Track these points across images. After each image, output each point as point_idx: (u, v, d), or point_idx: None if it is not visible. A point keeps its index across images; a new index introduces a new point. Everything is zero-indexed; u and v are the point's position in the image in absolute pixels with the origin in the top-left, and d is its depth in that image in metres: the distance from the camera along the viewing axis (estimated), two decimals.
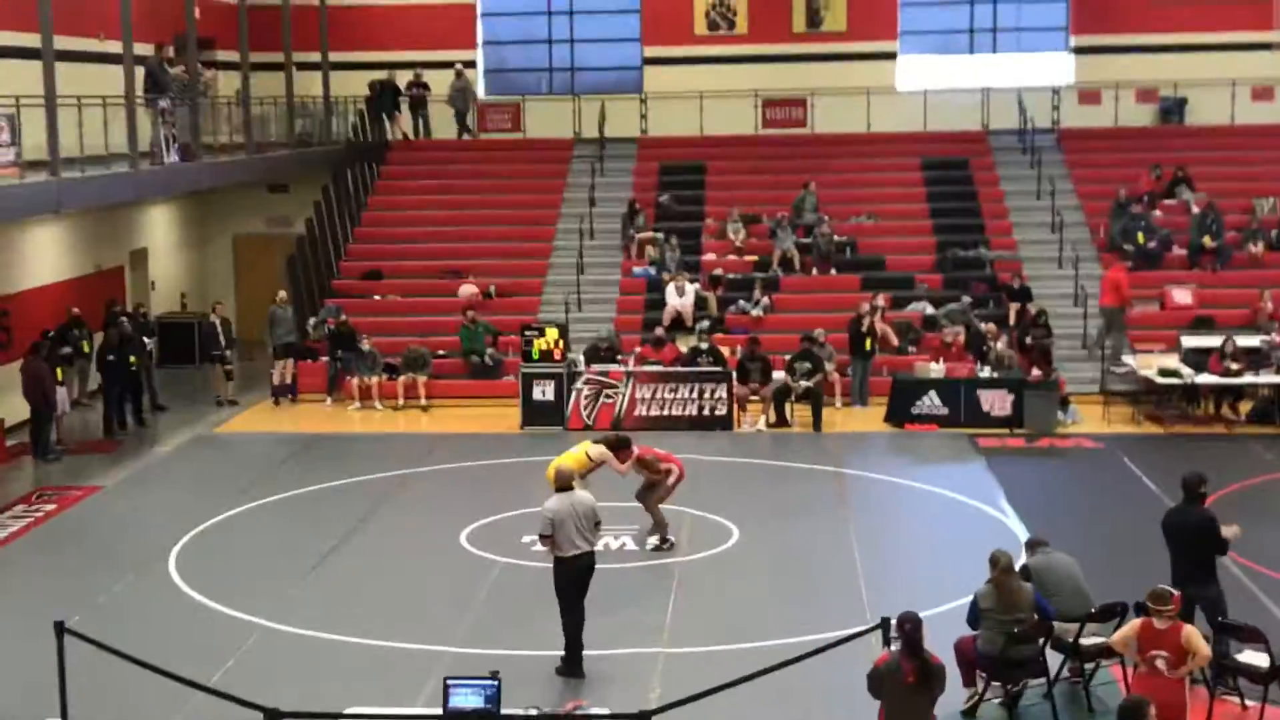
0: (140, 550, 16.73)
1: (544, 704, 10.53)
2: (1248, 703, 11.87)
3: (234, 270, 32.58)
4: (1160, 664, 10.61)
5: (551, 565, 13.08)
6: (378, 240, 29.80)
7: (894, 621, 9.93)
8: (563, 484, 13.12)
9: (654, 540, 16.54)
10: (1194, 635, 10.67)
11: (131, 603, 15.00)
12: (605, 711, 10.39)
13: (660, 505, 16.58)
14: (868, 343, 24.18)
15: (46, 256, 25.00)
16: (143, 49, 23.76)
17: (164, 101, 23.27)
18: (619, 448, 16.41)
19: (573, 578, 12.93)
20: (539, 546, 13.65)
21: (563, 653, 12.94)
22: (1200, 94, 31.56)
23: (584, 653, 12.98)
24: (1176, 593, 10.94)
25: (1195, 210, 27.75)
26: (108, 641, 11.42)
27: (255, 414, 24.74)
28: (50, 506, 18.85)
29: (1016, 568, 12.09)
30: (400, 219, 30.36)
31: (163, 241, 30.39)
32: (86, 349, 24.40)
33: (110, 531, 17.81)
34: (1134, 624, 10.89)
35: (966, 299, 25.88)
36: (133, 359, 23.37)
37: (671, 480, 16.61)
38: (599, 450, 16.36)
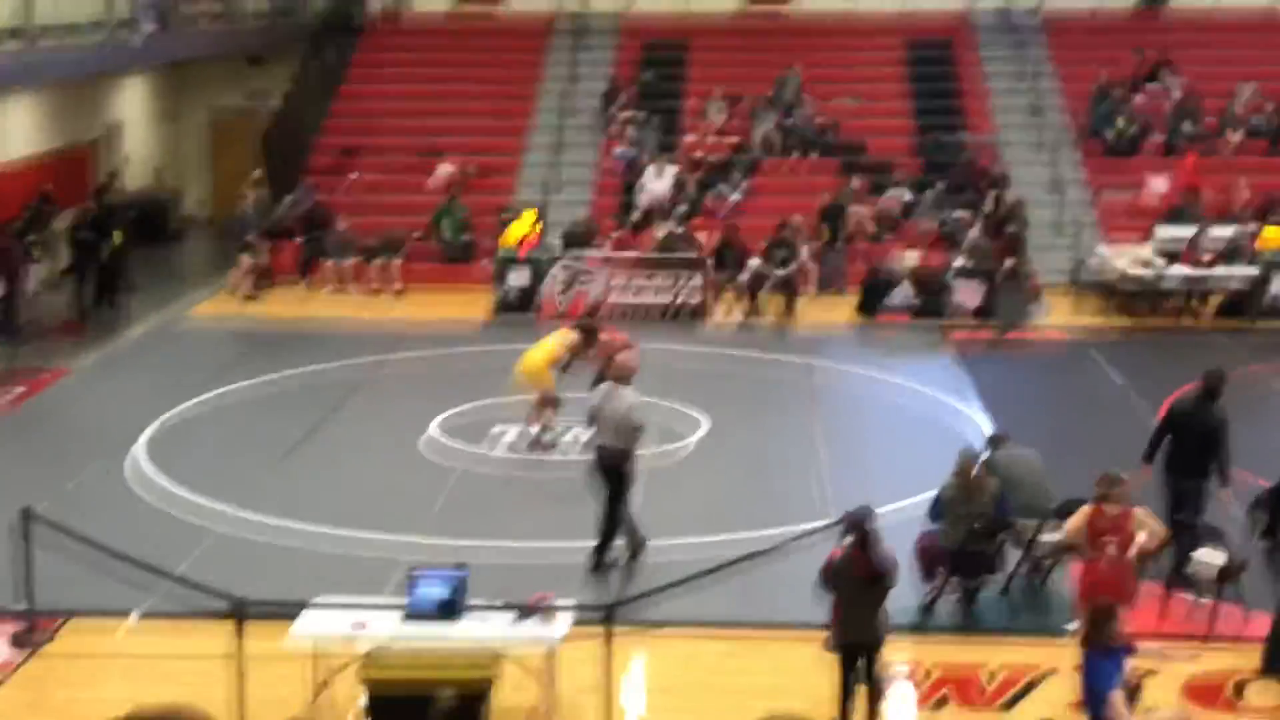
0: (110, 436, 16.70)
1: (510, 596, 10.62)
2: (1201, 600, 12.03)
3: (210, 147, 32.15)
4: (1111, 550, 10.68)
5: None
6: (355, 116, 29.34)
7: (847, 516, 10.03)
8: (614, 374, 13.33)
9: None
10: (1146, 516, 10.77)
11: (99, 490, 15.04)
12: (571, 603, 10.48)
13: None
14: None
15: (16, 131, 24.61)
16: None
17: None
18: (588, 339, 16.31)
19: (601, 465, 13.05)
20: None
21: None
22: None
23: (561, 544, 13.14)
24: (1126, 476, 10.97)
25: (1176, 95, 27.50)
26: (76, 528, 11.50)
27: (227, 298, 24.41)
28: (19, 389, 18.73)
29: (979, 458, 12.21)
30: (378, 94, 29.81)
31: (138, 116, 29.98)
32: (58, 227, 24.14)
33: (79, 417, 17.79)
34: (1084, 511, 10.93)
35: (939, 185, 25.71)
36: (117, 235, 22.99)
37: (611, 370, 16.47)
38: (574, 339, 16.25)
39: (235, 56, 30.01)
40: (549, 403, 16.33)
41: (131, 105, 29.72)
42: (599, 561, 13.00)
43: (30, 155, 24.95)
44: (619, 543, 13.13)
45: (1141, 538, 10.76)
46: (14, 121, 24.49)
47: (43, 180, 24.29)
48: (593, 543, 13.01)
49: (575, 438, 16.34)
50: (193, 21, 25.49)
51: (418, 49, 30.88)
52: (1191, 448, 12.80)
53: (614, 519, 13.04)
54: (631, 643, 11.26)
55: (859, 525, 9.96)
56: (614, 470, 13.03)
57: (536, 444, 16.26)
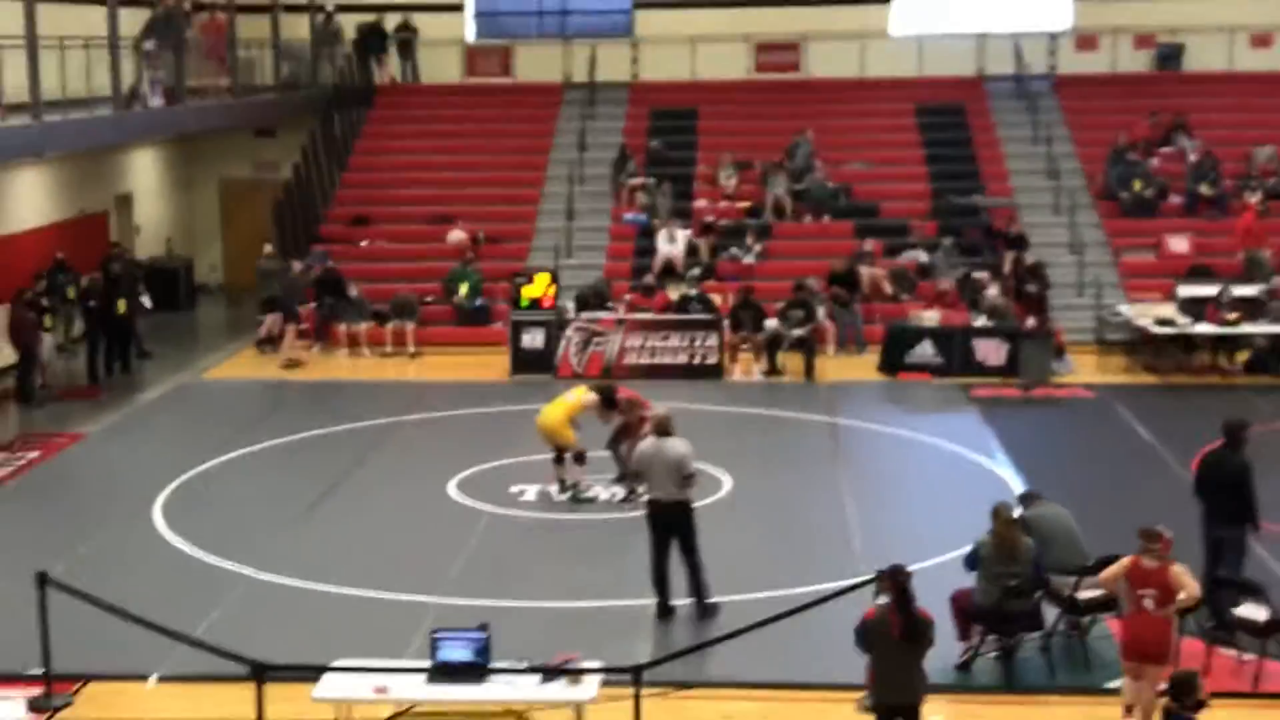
0: (125, 499, 16.55)
1: (534, 656, 10.37)
2: (1245, 656, 11.77)
3: (221, 216, 32.23)
4: (1148, 602, 10.54)
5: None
6: (365, 186, 29.47)
7: (883, 575, 9.78)
8: (659, 428, 13.21)
9: (621, 489, 16.36)
10: (1182, 573, 10.60)
11: (116, 552, 14.84)
12: (597, 664, 10.22)
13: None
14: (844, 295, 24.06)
15: (29, 201, 24.69)
16: None
17: (148, 44, 22.91)
18: (607, 404, 16.29)
19: (653, 520, 12.97)
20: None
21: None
22: (1198, 40, 31.22)
23: (584, 604, 13.01)
24: (1168, 533, 10.81)
25: (1193, 158, 27.52)
26: (92, 592, 11.28)
27: (242, 361, 24.51)
28: (34, 454, 18.64)
29: (1012, 516, 11.97)
30: (388, 164, 30.01)
31: (148, 185, 30.07)
32: (71, 294, 24.12)
33: (95, 479, 17.63)
34: (1123, 562, 10.82)
35: (947, 241, 25.63)
36: (121, 303, 23.07)
37: (646, 428, 16.36)
38: (590, 398, 16.27)
39: (244, 129, 30.09)
40: (576, 457, 16.22)
41: (143, 175, 29.80)
42: (705, 609, 12.88)
43: (44, 224, 24.94)
44: (653, 599, 12.96)
45: (1181, 595, 10.54)
46: (26, 191, 24.52)
47: (56, 248, 24.29)
48: (691, 598, 12.94)
49: (609, 494, 16.34)
50: (202, 94, 25.54)
51: (427, 118, 31.01)
52: (1221, 496, 12.79)
53: (694, 566, 12.94)
54: (661, 704, 11.03)
55: (894, 583, 9.71)
56: (675, 521, 12.95)
57: (572, 497, 16.26)
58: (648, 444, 13.15)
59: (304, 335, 24.82)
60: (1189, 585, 10.58)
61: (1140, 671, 10.55)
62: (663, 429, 13.19)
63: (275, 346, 24.64)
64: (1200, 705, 8.47)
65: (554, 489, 16.36)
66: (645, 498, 13.14)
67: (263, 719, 9.49)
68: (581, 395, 16.36)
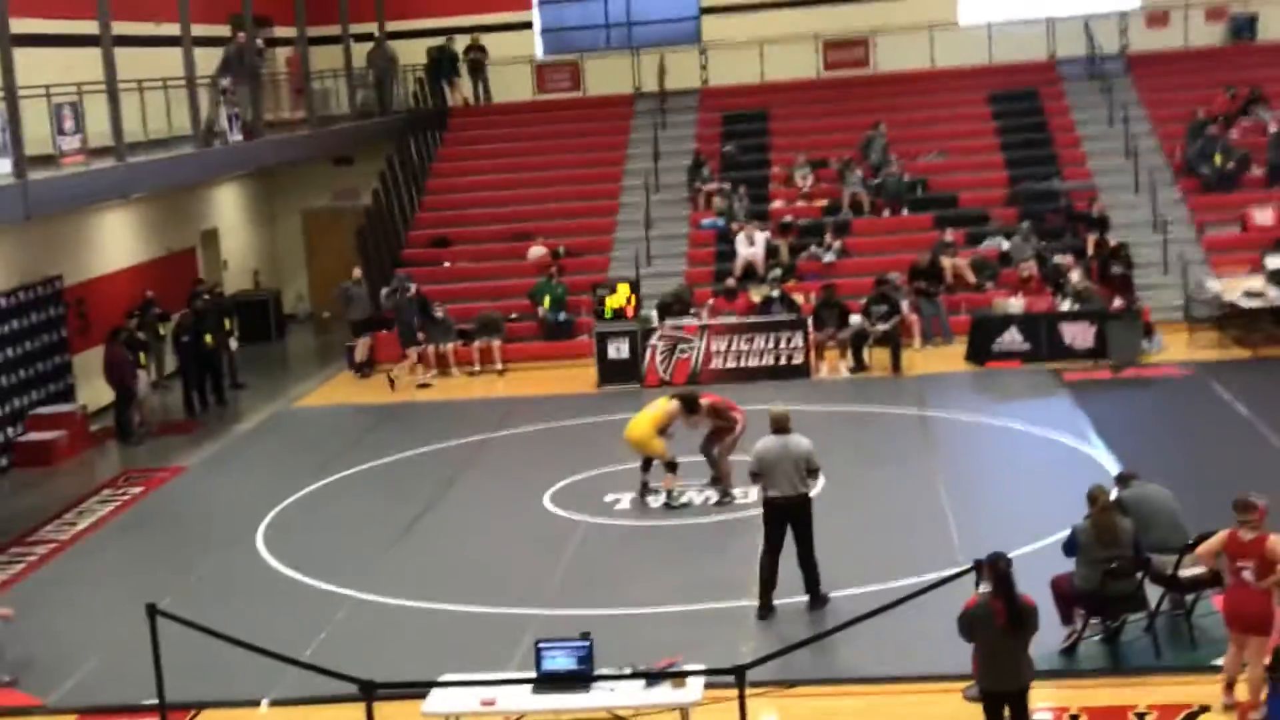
0: (227, 528, 16.83)
1: (637, 662, 10.43)
2: None
3: (305, 245, 32.69)
4: (1247, 574, 10.50)
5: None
6: (444, 208, 29.77)
7: (984, 563, 9.74)
8: (778, 425, 13.25)
9: (715, 493, 16.46)
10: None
11: (222, 581, 15.09)
12: (700, 667, 10.27)
13: (728, 456, 16.42)
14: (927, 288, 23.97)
15: (118, 242, 25.17)
16: (199, 30, 23.75)
17: (224, 81, 23.29)
18: (688, 409, 16.35)
19: (774, 518, 13.04)
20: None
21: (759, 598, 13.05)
22: (1271, 9, 30.83)
23: (684, 608, 13.07)
24: (1262, 502, 10.73)
25: (1272, 129, 27.14)
26: (200, 621, 11.46)
27: (333, 387, 24.83)
28: (137, 489, 19.01)
29: (1110, 499, 11.89)
30: (465, 184, 30.32)
31: (232, 220, 30.55)
32: (162, 332, 24.56)
33: (197, 511, 17.94)
34: (1220, 535, 10.76)
35: (1025, 224, 25.44)
36: (208, 337, 23.49)
37: (737, 431, 16.42)
38: (674, 406, 16.38)
39: (323, 158, 30.49)
40: (669, 466, 16.32)
41: (227, 210, 30.27)
42: (821, 600, 13.04)
43: (133, 264, 25.43)
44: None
45: (1278, 573, 10.44)
46: (115, 233, 25.00)
47: (146, 287, 24.75)
48: (806, 595, 13.06)
49: (702, 498, 16.39)
50: (279, 127, 25.91)
51: (501, 136, 31.26)
52: None
53: (811, 559, 13.07)
54: (766, 703, 11.07)
55: (996, 571, 9.66)
56: (798, 516, 13.08)
57: (666, 507, 16.34)
58: (771, 442, 13.11)
59: (380, 359, 25.13)
60: None
61: (1245, 643, 10.47)
62: (782, 426, 13.22)
63: (371, 370, 24.95)
64: None
65: (649, 498, 16.44)
66: (766, 495, 13.10)
67: None
68: (665, 405, 16.45)
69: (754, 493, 16.26)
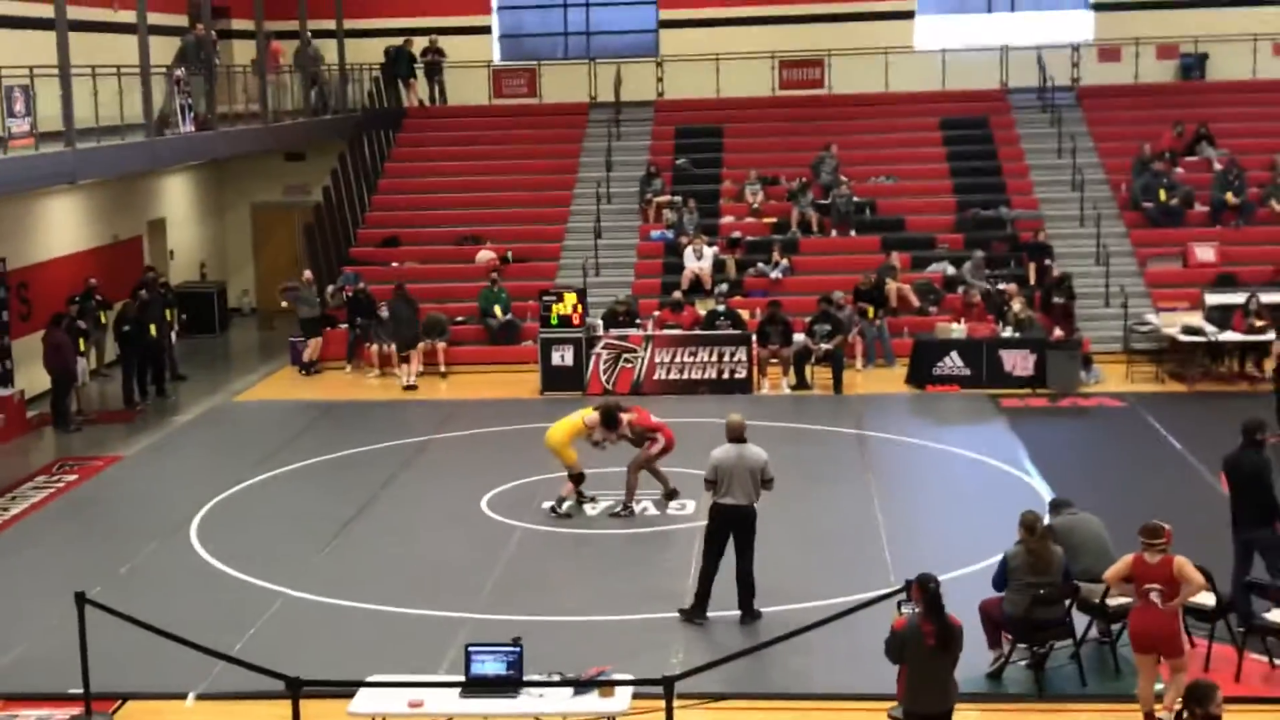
0: (162, 519, 16.72)
1: (566, 669, 10.47)
2: (1277, 661, 11.81)
3: (253, 240, 32.55)
4: (1155, 596, 10.78)
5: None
6: (395, 208, 29.73)
7: (913, 584, 9.83)
8: (735, 434, 13.28)
9: (616, 505, 16.50)
10: (1185, 565, 10.84)
11: (153, 572, 15.01)
12: (628, 677, 10.31)
13: (640, 472, 16.42)
14: (869, 310, 24.14)
15: (65, 227, 24.99)
16: (156, 19, 23.64)
17: (179, 71, 23.17)
18: (606, 423, 16.35)
19: (721, 526, 13.12)
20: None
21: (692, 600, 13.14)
22: (1221, 50, 31.26)
23: (615, 617, 13.13)
24: (1167, 527, 11.06)
25: (1218, 167, 27.53)
26: (130, 611, 11.43)
27: (275, 382, 24.75)
28: (72, 477, 18.87)
29: (1046, 528, 12.03)
30: (417, 185, 30.29)
31: (181, 211, 30.37)
32: (103, 319, 24.39)
33: (131, 501, 17.82)
34: (1126, 559, 11.04)
35: (979, 253, 25.66)
36: (152, 327, 23.33)
37: (654, 449, 16.40)
38: (593, 418, 16.40)
39: (275, 152, 30.37)
40: (574, 477, 16.43)
41: (176, 201, 30.10)
42: (751, 613, 13.11)
43: (79, 250, 25.24)
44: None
45: (1187, 589, 10.71)
46: (61, 218, 24.80)
47: (90, 274, 24.57)
48: (739, 609, 13.14)
49: (640, 508, 16.42)
50: (233, 120, 25.80)
51: (455, 139, 31.26)
52: (1244, 497, 12.92)
53: (750, 573, 13.16)
54: (693, 716, 11.12)
55: (925, 592, 9.76)
56: (745, 527, 13.18)
57: (552, 512, 16.39)
58: (729, 451, 13.17)
59: (323, 357, 25.08)
60: (1193, 577, 10.77)
61: (1152, 668, 10.74)
62: (737, 435, 13.29)
63: (316, 369, 24.88)
64: (1211, 718, 8.41)
65: (585, 505, 16.51)
66: (718, 501, 13.14)
67: None
68: (585, 414, 16.49)
69: (691, 505, 16.42)
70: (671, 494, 16.60)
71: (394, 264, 27.81)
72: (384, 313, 24.83)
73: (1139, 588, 10.83)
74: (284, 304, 26.03)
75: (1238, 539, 12.91)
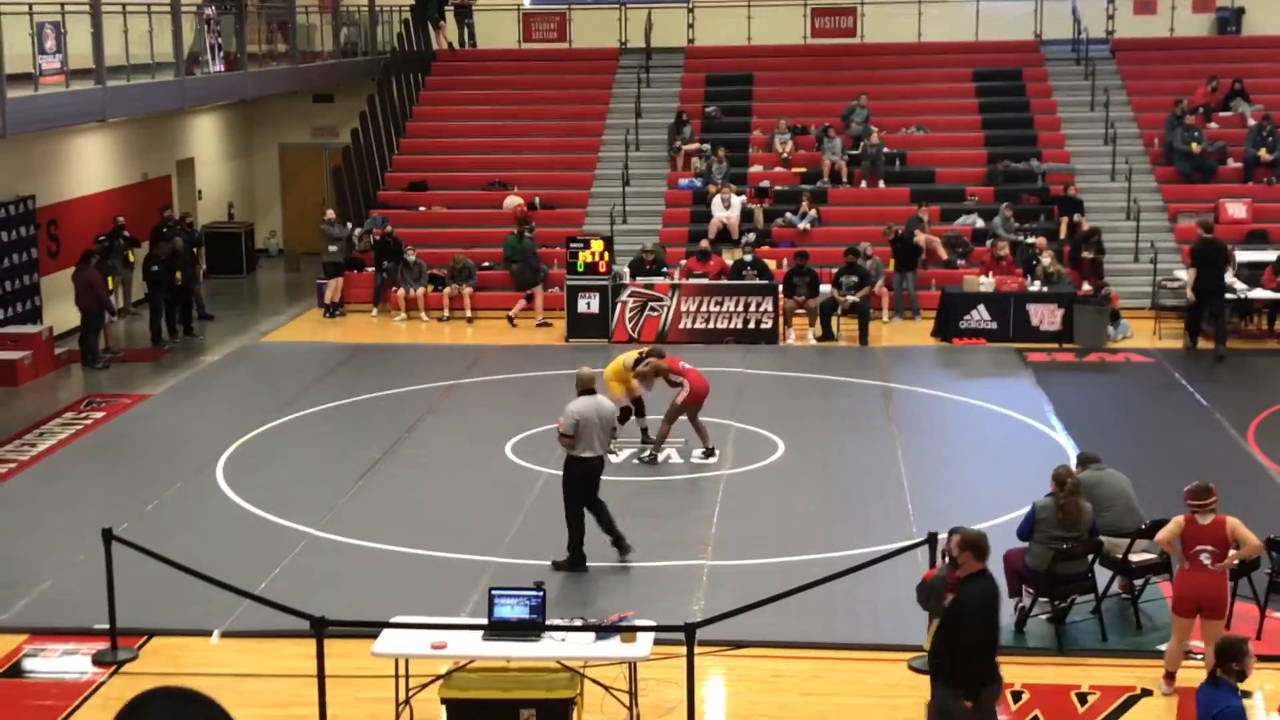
0: (188, 458, 16.82)
1: (588, 615, 10.52)
2: None
3: (280, 181, 32.56)
4: (1205, 559, 10.64)
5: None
6: (423, 151, 29.66)
7: (946, 536, 9.80)
8: (586, 387, 13.33)
9: (643, 451, 16.61)
10: (1239, 525, 10.70)
11: (179, 510, 15.09)
12: (650, 623, 10.35)
13: (673, 421, 16.39)
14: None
15: (94, 165, 25.03)
16: None
17: (209, 9, 23.13)
18: (635, 363, 16.51)
19: (584, 478, 13.18)
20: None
21: (567, 551, 13.22)
22: (1258, 4, 30.95)
23: (637, 564, 13.19)
24: (1213, 486, 10.88)
25: (1251, 123, 27.28)
26: (156, 549, 11.52)
27: (301, 324, 24.81)
28: (99, 414, 18.98)
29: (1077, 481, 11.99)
30: (445, 129, 30.21)
31: (209, 151, 30.38)
32: (131, 259, 24.47)
33: (158, 439, 17.90)
34: (1177, 520, 10.84)
35: (1005, 206, 25.46)
36: (178, 273, 23.36)
37: (680, 397, 16.36)
38: (630, 356, 16.65)
39: (304, 94, 30.33)
40: (622, 412, 16.42)
41: (204, 141, 30.11)
42: (577, 561, 13.21)
43: (108, 189, 25.29)
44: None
45: (1238, 549, 10.62)
46: (90, 156, 24.84)
47: (120, 212, 24.64)
48: (556, 559, 13.21)
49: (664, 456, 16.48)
50: (263, 60, 25.75)
51: (484, 84, 31.14)
52: None
53: (610, 517, 13.33)
54: (714, 662, 11.18)
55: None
56: (597, 478, 13.29)
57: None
58: (588, 403, 13.19)
59: (350, 300, 25.10)
60: (1249, 538, 10.66)
61: (1190, 630, 10.64)
62: (589, 388, 13.36)
63: (340, 310, 24.94)
64: (1244, 675, 8.34)
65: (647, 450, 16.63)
66: (577, 454, 13.11)
67: (323, 673, 9.66)
68: (629, 356, 16.68)
69: (730, 452, 16.44)
70: (709, 452, 16.53)
71: (421, 208, 27.78)
72: (411, 257, 24.83)
73: (1188, 550, 10.65)
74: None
75: None
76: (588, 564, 13.16)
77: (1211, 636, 10.46)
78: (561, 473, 13.36)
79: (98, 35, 19.70)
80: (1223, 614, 10.72)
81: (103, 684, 11.18)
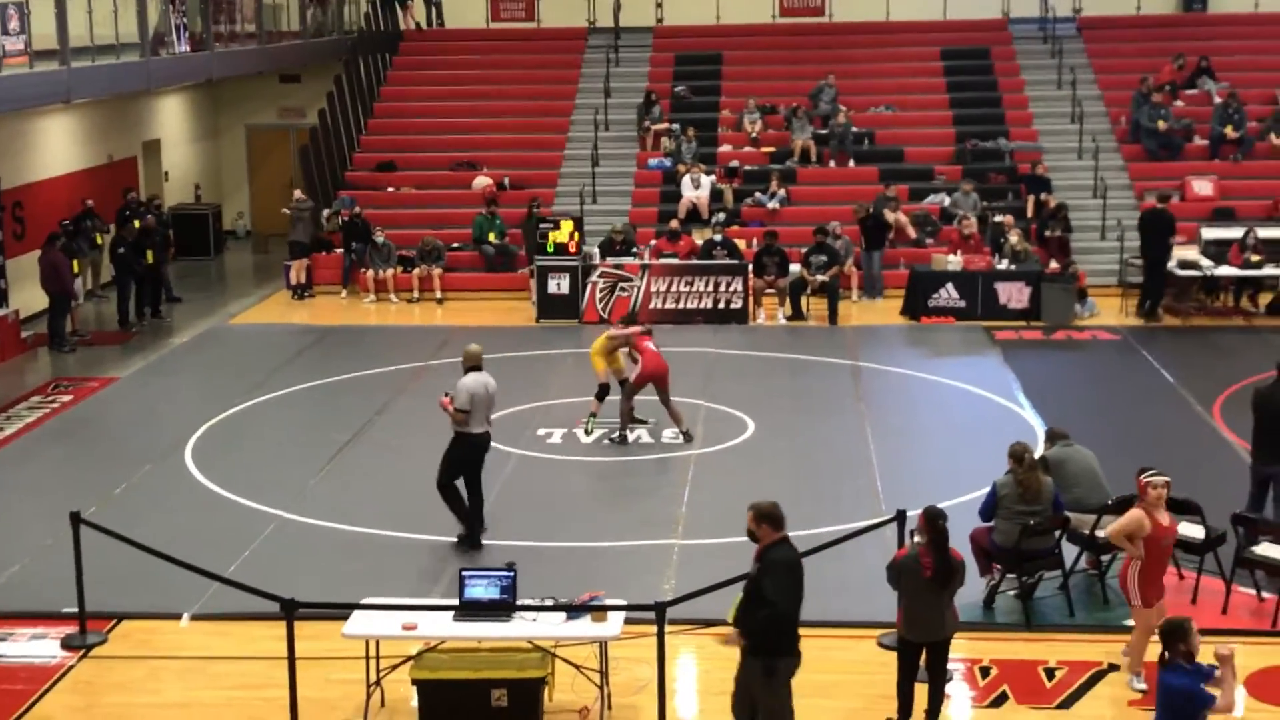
0: (156, 441, 16.76)
1: (560, 595, 10.54)
2: (1264, 595, 11.89)
3: (247, 162, 32.40)
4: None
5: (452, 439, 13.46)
6: (391, 131, 29.55)
7: (921, 515, 9.85)
8: (474, 363, 13.47)
9: (612, 432, 16.62)
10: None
11: (148, 493, 15.06)
12: (621, 602, 10.38)
13: (631, 400, 16.41)
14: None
15: (59, 147, 24.86)
16: None
17: None
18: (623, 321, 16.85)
19: (471, 454, 13.32)
20: (455, 420, 13.51)
21: (461, 530, 13.38)
22: None
23: (608, 544, 13.20)
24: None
25: (1217, 100, 27.40)
26: (125, 532, 11.50)
27: (270, 306, 24.73)
28: (66, 397, 18.89)
29: (1036, 458, 12.08)
30: (413, 109, 30.10)
31: (175, 132, 30.21)
32: (99, 240, 24.33)
33: (126, 422, 17.85)
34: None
35: (965, 185, 25.50)
36: (149, 253, 23.25)
37: (632, 376, 16.45)
38: (616, 330, 16.72)
39: (270, 74, 30.18)
40: (598, 392, 16.65)
41: (171, 122, 29.93)
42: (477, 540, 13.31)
43: (73, 170, 25.13)
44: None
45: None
46: (55, 138, 24.67)
47: (86, 194, 24.49)
48: (462, 532, 13.35)
49: (634, 437, 16.50)
50: (228, 40, 25.62)
51: (452, 64, 31.04)
52: (1268, 432, 12.99)
53: (480, 503, 13.46)
54: (684, 641, 11.22)
55: (933, 526, 9.77)
56: (481, 455, 13.40)
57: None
58: (478, 379, 13.30)
59: (319, 282, 25.00)
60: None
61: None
62: (477, 364, 13.45)
63: (308, 292, 24.86)
64: (1191, 654, 8.36)
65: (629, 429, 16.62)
66: (468, 431, 13.26)
67: (294, 655, 9.66)
68: (608, 332, 16.87)
69: (700, 432, 16.46)
70: (687, 436, 16.48)
71: (390, 189, 27.69)
72: (380, 238, 24.77)
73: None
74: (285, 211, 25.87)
75: (1256, 470, 13.03)
76: (482, 541, 13.29)
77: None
78: (447, 449, 13.39)
79: (62, 16, 19.55)
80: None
81: (72, 668, 11.17)
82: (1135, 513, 10.65)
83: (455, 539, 13.29)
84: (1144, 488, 10.65)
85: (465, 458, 13.29)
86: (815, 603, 11.92)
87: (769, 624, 9.01)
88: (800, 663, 9.24)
